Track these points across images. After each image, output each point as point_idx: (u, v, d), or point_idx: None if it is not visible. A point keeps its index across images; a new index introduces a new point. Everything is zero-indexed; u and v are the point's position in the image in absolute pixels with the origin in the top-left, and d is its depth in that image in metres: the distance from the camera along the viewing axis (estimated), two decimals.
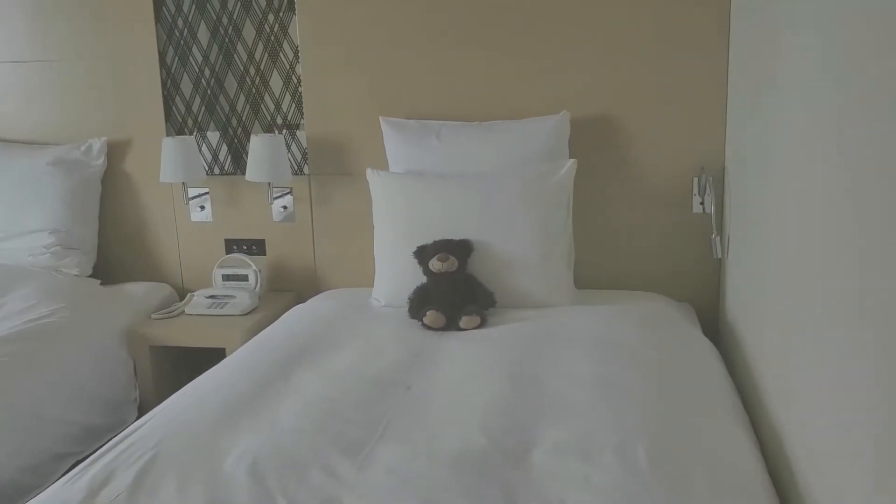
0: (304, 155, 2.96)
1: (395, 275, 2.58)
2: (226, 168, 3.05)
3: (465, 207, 2.53)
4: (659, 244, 2.74)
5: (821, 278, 1.42)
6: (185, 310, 2.85)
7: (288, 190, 2.98)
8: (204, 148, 3.04)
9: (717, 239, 2.51)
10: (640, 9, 2.62)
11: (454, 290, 2.40)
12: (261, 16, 2.89)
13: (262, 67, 2.93)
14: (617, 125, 2.70)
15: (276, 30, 2.89)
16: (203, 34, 2.95)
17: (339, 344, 2.22)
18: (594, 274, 2.74)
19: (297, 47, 2.88)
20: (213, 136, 3.03)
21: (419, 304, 2.41)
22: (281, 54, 2.91)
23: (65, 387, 2.43)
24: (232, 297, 2.84)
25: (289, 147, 2.94)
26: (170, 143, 2.87)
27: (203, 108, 3.02)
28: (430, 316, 2.34)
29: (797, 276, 1.60)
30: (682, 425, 1.68)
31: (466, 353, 2.14)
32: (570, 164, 2.54)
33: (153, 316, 2.83)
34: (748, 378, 2.06)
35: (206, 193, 3.06)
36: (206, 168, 3.03)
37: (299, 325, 2.45)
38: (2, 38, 3.10)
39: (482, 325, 2.34)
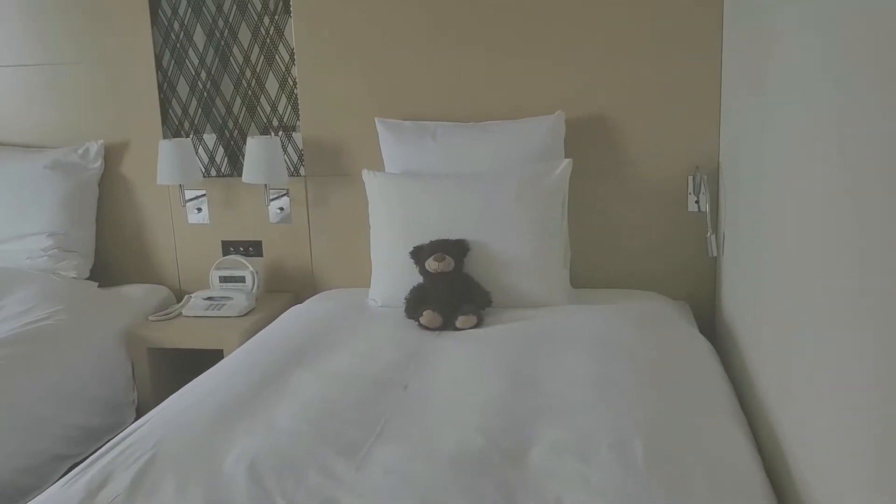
0: (301, 156, 2.96)
1: (391, 275, 2.59)
2: (222, 170, 3.06)
3: (461, 207, 2.54)
4: (655, 243, 2.75)
5: (818, 276, 1.43)
6: (183, 311, 2.86)
7: (284, 191, 2.99)
8: (200, 150, 3.04)
9: (713, 237, 2.52)
10: (635, 9, 2.63)
11: (451, 289, 2.41)
12: (256, 18, 2.90)
13: (258, 70, 2.94)
14: (612, 124, 2.72)
15: (271, 32, 2.90)
16: (199, 37, 2.96)
17: (336, 344, 2.23)
18: (590, 273, 2.75)
19: (292, 49, 2.89)
20: (210, 138, 3.04)
21: (416, 304, 2.42)
22: (277, 56, 2.92)
23: (63, 389, 2.44)
24: (229, 298, 2.85)
25: (285, 149, 2.95)
26: (166, 145, 2.88)
27: (199, 110, 3.02)
28: (427, 316, 2.34)
29: (793, 273, 1.61)
30: (680, 424, 1.69)
31: (463, 352, 2.15)
32: (566, 163, 2.55)
33: (151, 318, 2.83)
34: (745, 376, 2.07)
35: (203, 195, 3.07)
36: (203, 170, 3.04)
37: (296, 326, 2.46)
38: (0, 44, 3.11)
39: (479, 324, 2.35)
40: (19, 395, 2.27)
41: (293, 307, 2.71)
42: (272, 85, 2.94)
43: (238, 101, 2.99)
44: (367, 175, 2.68)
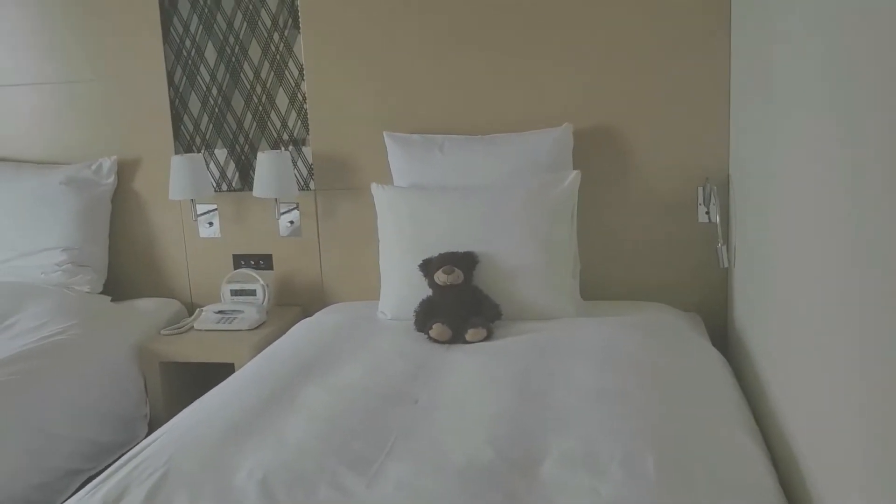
0: (310, 170, 2.98)
1: (400, 288, 2.59)
2: (233, 184, 3.08)
3: (469, 220, 2.55)
4: (665, 254, 2.75)
5: (829, 287, 1.42)
6: (195, 325, 2.88)
7: (294, 205, 3.01)
8: (212, 165, 3.07)
9: (724, 248, 2.52)
10: (642, 18, 2.64)
11: (460, 302, 2.41)
12: (266, 35, 2.93)
13: (268, 85, 2.97)
14: (620, 134, 2.72)
15: (281, 48, 2.93)
16: (210, 54, 2.99)
17: (345, 358, 2.24)
18: (600, 284, 2.74)
19: (302, 65, 2.92)
20: (221, 153, 3.06)
21: (425, 316, 2.43)
22: (286, 72, 2.94)
23: (77, 404, 2.46)
24: (240, 311, 2.87)
25: (295, 163, 2.97)
26: (178, 160, 2.91)
27: (211, 125, 3.05)
28: (437, 329, 2.35)
29: (805, 285, 1.60)
30: (692, 436, 1.68)
31: (473, 365, 2.15)
32: (574, 175, 2.56)
33: (163, 332, 2.85)
34: (758, 388, 2.06)
35: (215, 210, 3.09)
36: (215, 185, 3.06)
37: (306, 340, 2.46)
38: (14, 62, 3.15)
39: (488, 337, 2.35)
40: (34, 411, 2.29)
41: (303, 320, 2.72)
42: (282, 100, 2.97)
43: (249, 116, 3.01)
44: (375, 189, 2.69)
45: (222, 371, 2.49)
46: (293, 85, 2.95)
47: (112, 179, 3.08)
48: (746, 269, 2.34)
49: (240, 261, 3.08)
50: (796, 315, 1.68)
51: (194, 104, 3.04)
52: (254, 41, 2.94)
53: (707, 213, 2.67)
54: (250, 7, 2.92)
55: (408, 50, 2.81)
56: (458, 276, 2.42)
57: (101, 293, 3.04)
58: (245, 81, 2.98)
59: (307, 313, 2.91)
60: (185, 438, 1.78)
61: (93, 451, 2.46)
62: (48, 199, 3.00)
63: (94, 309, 2.86)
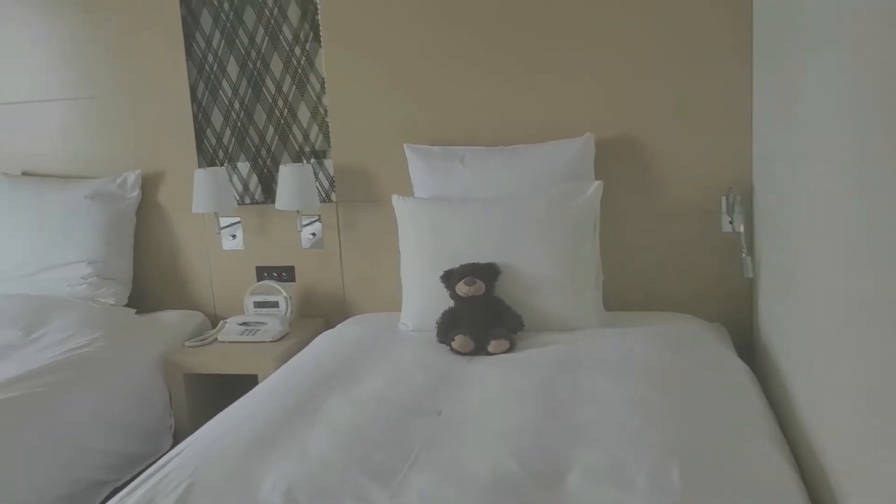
0: (332, 183, 3.00)
1: (422, 299, 2.59)
2: (256, 197, 3.10)
3: (490, 231, 2.54)
4: (689, 264, 2.73)
5: (856, 298, 1.41)
6: (218, 337, 2.90)
7: (316, 217, 3.03)
8: (235, 178, 3.10)
9: (748, 258, 2.50)
10: (664, 28, 2.63)
11: (482, 313, 2.41)
12: (288, 49, 2.96)
13: (289, 99, 2.99)
14: (641, 144, 2.71)
15: (302, 62, 2.95)
16: (232, 68, 3.02)
17: (368, 369, 2.24)
18: (623, 295, 2.73)
19: (323, 78, 2.94)
20: (244, 166, 3.09)
21: (447, 328, 2.42)
22: (308, 86, 2.96)
23: (104, 415, 2.48)
24: (263, 323, 2.88)
25: (316, 175, 2.99)
26: (202, 174, 2.94)
27: (233, 139, 3.08)
28: (459, 340, 2.35)
29: (831, 295, 1.59)
30: (718, 449, 1.66)
31: (496, 377, 2.14)
32: (597, 185, 2.55)
33: (187, 344, 2.87)
34: (785, 400, 2.03)
35: (238, 222, 3.12)
36: (237, 198, 3.09)
37: (328, 352, 2.47)
38: (40, 78, 3.20)
39: (511, 348, 2.34)
40: (61, 423, 2.32)
41: (325, 332, 2.73)
42: (304, 113, 2.99)
43: (271, 129, 3.04)
44: (396, 200, 2.70)
45: (246, 382, 2.51)
46: (315, 98, 2.97)
47: (136, 193, 3.12)
48: (771, 278, 2.31)
49: (262, 273, 3.10)
50: (822, 325, 1.66)
51: (217, 118, 3.07)
52: (275, 55, 2.97)
53: (731, 222, 2.64)
54: (272, 22, 2.95)
55: (428, 62, 2.82)
56: (479, 287, 2.42)
57: (126, 305, 3.07)
58: (267, 95, 3.01)
59: (329, 325, 2.92)
60: (210, 450, 1.79)
61: (118, 463, 2.48)
62: (74, 213, 3.04)
63: (119, 321, 2.89)
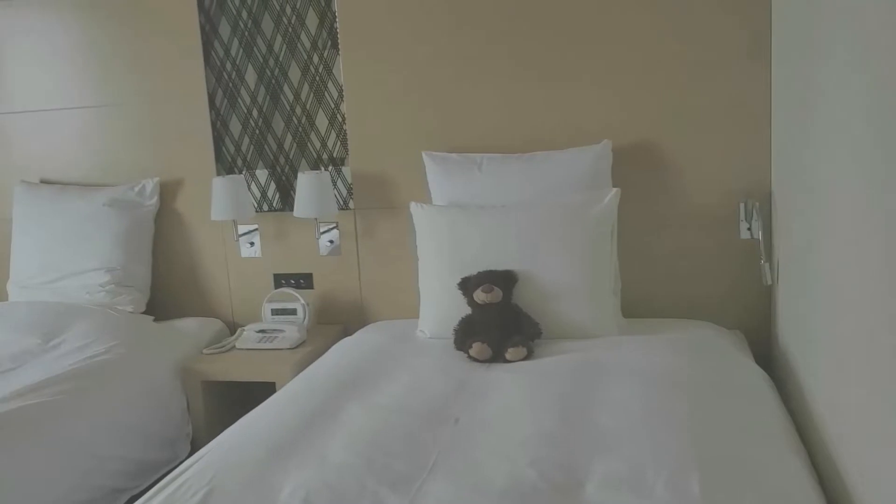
0: (350, 190, 3.01)
1: (440, 306, 2.59)
2: (274, 205, 3.12)
3: (508, 238, 2.54)
4: (707, 271, 2.71)
5: (877, 306, 1.39)
6: (236, 344, 2.91)
7: (334, 224, 3.03)
8: (253, 186, 3.11)
9: (767, 265, 2.48)
10: (681, 36, 2.62)
11: (499, 321, 2.40)
12: (306, 57, 2.97)
13: (307, 106, 3.00)
14: (660, 151, 2.70)
15: (320, 70, 2.96)
16: (250, 76, 3.04)
17: (385, 377, 2.24)
18: (642, 302, 2.71)
19: (341, 86, 2.95)
20: (262, 174, 3.10)
21: (464, 335, 2.42)
22: (326, 93, 2.98)
23: (121, 422, 2.49)
24: (281, 331, 2.89)
25: (334, 183, 3.00)
26: (220, 182, 2.95)
27: (252, 147, 3.10)
28: (476, 348, 2.34)
29: (852, 303, 1.57)
30: (738, 457, 1.65)
31: (514, 385, 2.14)
32: (614, 192, 2.54)
33: (205, 351, 2.88)
34: (804, 407, 2.01)
35: (256, 230, 3.13)
36: (256, 205, 3.10)
37: (346, 359, 2.47)
38: (59, 86, 3.24)
39: (529, 356, 2.33)
40: (80, 430, 2.33)
41: (343, 339, 2.73)
42: (322, 121, 3.00)
43: (289, 137, 3.05)
44: (414, 208, 2.70)
45: (264, 390, 2.51)
46: (332, 106, 2.98)
47: (155, 201, 3.14)
48: (790, 286, 2.29)
49: (280, 280, 3.11)
50: (842, 332, 1.64)
51: (235, 126, 3.09)
52: (293, 63, 2.99)
53: (749, 229, 2.63)
54: (290, 30, 2.96)
55: (446, 70, 2.83)
56: (497, 294, 2.42)
57: (144, 313, 3.08)
58: (285, 103, 3.03)
59: (347, 332, 2.92)
60: (229, 458, 1.79)
61: (137, 470, 2.49)
62: (92, 221, 3.06)
63: (137, 329, 2.91)
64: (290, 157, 3.07)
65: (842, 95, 1.65)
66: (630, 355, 2.27)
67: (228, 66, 3.05)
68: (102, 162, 3.24)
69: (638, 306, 2.70)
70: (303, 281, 3.09)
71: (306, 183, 2.88)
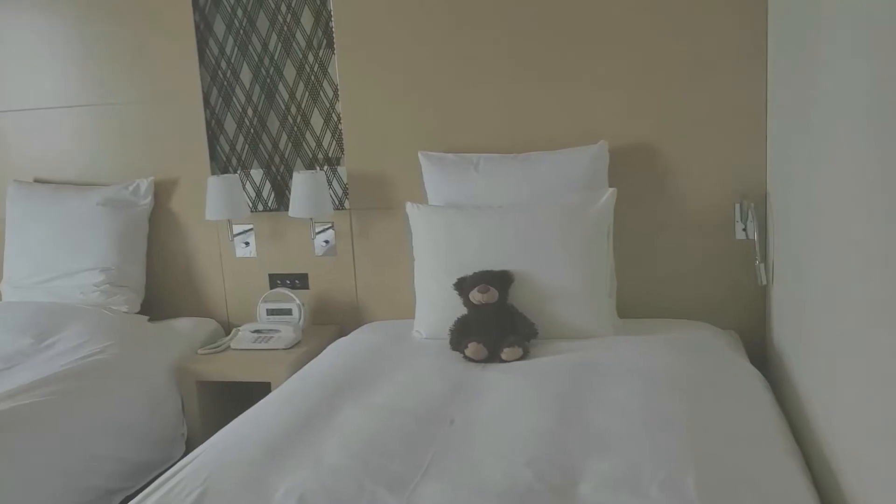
0: (345, 190, 3.00)
1: (435, 307, 2.59)
2: (269, 205, 3.11)
3: (504, 239, 2.54)
4: (702, 271, 2.72)
5: (872, 306, 1.40)
6: (231, 344, 2.90)
7: (329, 224, 3.03)
8: (248, 185, 3.10)
9: (762, 266, 2.48)
10: (678, 37, 2.62)
11: (495, 321, 2.40)
12: (301, 56, 2.96)
13: (303, 106, 3.00)
14: (656, 152, 2.70)
15: (315, 69, 2.96)
16: (245, 75, 3.03)
17: (381, 377, 2.23)
18: (637, 303, 2.72)
19: (336, 85, 2.94)
20: (257, 173, 3.10)
21: (460, 335, 2.42)
22: (321, 92, 2.97)
23: (115, 423, 2.48)
24: (276, 331, 2.88)
25: (330, 182, 2.99)
26: (215, 181, 2.94)
27: (246, 146, 3.09)
28: (472, 348, 2.34)
29: (846, 303, 1.58)
30: (733, 458, 1.65)
31: (509, 385, 2.14)
32: (610, 193, 2.55)
33: (200, 351, 2.88)
34: (798, 408, 2.02)
35: (251, 230, 3.12)
36: (250, 205, 3.09)
37: (342, 359, 2.47)
38: (53, 85, 3.22)
39: (524, 356, 2.33)
40: (74, 430, 2.32)
41: (338, 340, 2.73)
42: (317, 120, 2.99)
43: (284, 136, 3.04)
44: (410, 208, 2.70)
45: (259, 390, 2.51)
46: (328, 105, 2.97)
47: (149, 200, 3.13)
48: (785, 286, 2.30)
49: (276, 280, 3.10)
50: (837, 333, 1.65)
51: (230, 125, 3.08)
52: (289, 62, 2.98)
53: (744, 229, 2.63)
54: (285, 28, 2.96)
55: (442, 70, 2.82)
56: (492, 294, 2.42)
57: (139, 313, 3.07)
58: (280, 102, 3.02)
59: (343, 332, 2.92)
60: (223, 458, 1.79)
61: (131, 471, 2.48)
62: (87, 220, 3.05)
63: (131, 329, 2.90)
64: (286, 156, 3.06)
65: (838, 96, 1.65)
66: (625, 356, 2.28)
67: (223, 64, 3.04)
68: (96, 161, 3.23)
69: (633, 307, 2.70)
70: (298, 281, 3.09)
71: (301, 183, 2.87)
